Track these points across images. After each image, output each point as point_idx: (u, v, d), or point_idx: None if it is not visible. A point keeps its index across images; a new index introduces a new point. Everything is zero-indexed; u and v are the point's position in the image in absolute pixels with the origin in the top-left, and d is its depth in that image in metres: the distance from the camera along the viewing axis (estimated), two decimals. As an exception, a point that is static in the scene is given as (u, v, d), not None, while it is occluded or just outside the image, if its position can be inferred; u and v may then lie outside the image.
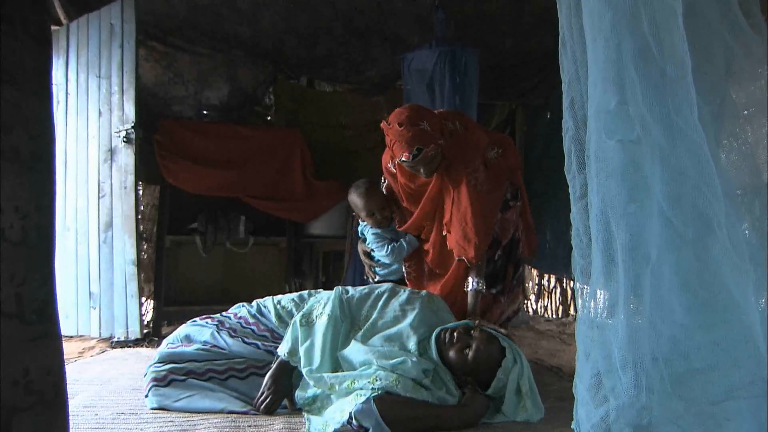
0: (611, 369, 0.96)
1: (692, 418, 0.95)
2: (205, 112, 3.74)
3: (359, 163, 3.68)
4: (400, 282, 2.21)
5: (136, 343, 2.81)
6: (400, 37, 3.60)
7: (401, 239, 2.22)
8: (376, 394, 1.43)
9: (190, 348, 1.72)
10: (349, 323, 1.70)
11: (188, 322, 1.86)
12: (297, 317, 1.69)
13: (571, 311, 4.13)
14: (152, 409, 1.61)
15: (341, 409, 1.46)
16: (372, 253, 2.29)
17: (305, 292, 1.89)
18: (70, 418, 0.83)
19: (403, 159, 1.88)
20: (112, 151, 2.90)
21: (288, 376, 1.63)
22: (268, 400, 1.59)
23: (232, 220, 3.45)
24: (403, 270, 2.25)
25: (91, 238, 2.93)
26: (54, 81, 3.04)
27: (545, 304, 4.54)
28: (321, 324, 1.65)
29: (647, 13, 0.89)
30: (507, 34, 3.63)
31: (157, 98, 3.54)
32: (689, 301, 0.92)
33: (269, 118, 3.96)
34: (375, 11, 3.42)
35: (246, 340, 1.73)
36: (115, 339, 2.82)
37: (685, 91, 0.86)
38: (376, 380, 1.46)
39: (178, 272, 3.47)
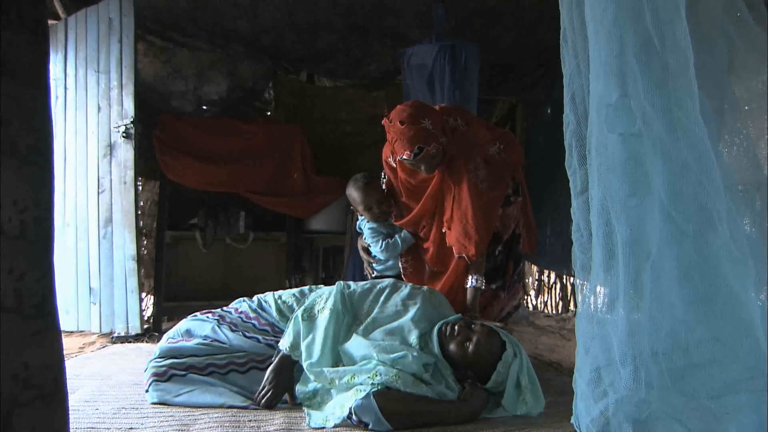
0: (611, 363, 0.96)
1: (691, 413, 0.95)
2: (204, 107, 3.73)
3: (359, 159, 3.67)
4: (398, 278, 2.21)
5: (137, 338, 2.81)
6: (400, 32, 3.58)
7: (396, 235, 2.22)
8: (375, 389, 1.43)
9: (191, 342, 1.72)
10: (350, 317, 1.70)
11: (189, 316, 1.87)
12: (298, 311, 1.69)
13: (571, 307, 4.14)
14: (153, 403, 1.61)
15: (341, 404, 1.46)
16: (370, 249, 2.30)
17: (306, 288, 1.90)
18: (71, 412, 0.83)
19: (405, 157, 1.87)
20: (111, 147, 2.89)
21: (290, 370, 1.64)
22: (269, 395, 1.60)
23: (231, 215, 3.44)
24: (400, 266, 2.25)
25: (90, 234, 2.93)
26: (52, 76, 3.04)
27: (545, 300, 4.55)
28: (323, 318, 1.65)
29: (650, 6, 0.89)
30: (507, 29, 3.61)
31: (157, 93, 3.53)
32: (689, 295, 0.91)
33: (269, 113, 3.95)
34: (375, 6, 3.40)
35: (247, 334, 1.74)
36: (116, 334, 2.82)
37: (687, 85, 0.86)
38: (376, 375, 1.47)
39: (178, 268, 3.47)
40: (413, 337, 1.61)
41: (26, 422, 0.66)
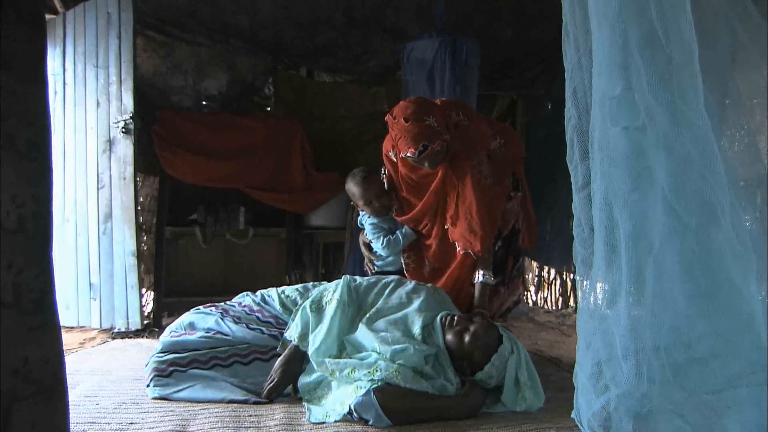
0: (612, 358, 0.96)
1: (692, 407, 0.95)
2: (204, 102, 3.71)
3: (359, 154, 3.66)
4: (399, 273, 2.21)
5: (137, 333, 2.82)
6: (400, 28, 3.57)
7: (397, 231, 2.21)
8: (375, 385, 1.43)
9: (194, 336, 1.72)
10: (355, 309, 1.73)
11: (192, 310, 1.87)
12: (306, 303, 1.72)
13: (571, 302, 4.14)
14: (154, 398, 1.61)
15: (341, 401, 1.47)
16: (371, 245, 2.29)
17: (309, 284, 1.93)
18: (72, 407, 0.83)
19: (409, 155, 1.87)
20: (110, 142, 2.89)
21: (299, 361, 1.65)
22: (273, 384, 1.61)
23: (231, 211, 3.44)
24: (402, 262, 2.25)
25: (90, 230, 2.92)
26: (51, 71, 3.02)
27: (545, 296, 4.55)
28: (330, 309, 1.68)
29: (654, -2, 0.88)
30: (508, 24, 3.60)
31: (156, 88, 3.51)
32: (691, 290, 0.91)
33: (268, 108, 3.93)
34: (375, 1, 3.39)
35: (250, 326, 1.75)
36: (116, 330, 2.82)
37: (692, 78, 0.85)
38: (377, 370, 1.47)
39: (178, 263, 3.47)
40: (416, 328, 1.62)
41: (26, 416, 0.66)
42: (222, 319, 1.76)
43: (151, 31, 3.36)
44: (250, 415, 1.48)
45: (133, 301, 2.82)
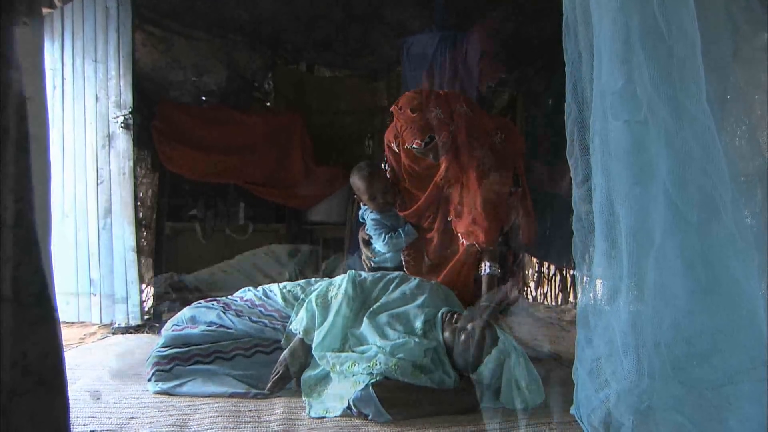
0: (612, 354, 0.96)
1: (692, 403, 0.95)
2: (203, 98, 3.70)
3: (359, 149, 3.65)
4: (397, 270, 2.20)
5: (137, 329, 2.82)
6: (400, 22, 3.55)
7: (399, 229, 2.20)
8: (374, 380, 1.44)
9: (196, 330, 1.73)
10: (360, 302, 1.74)
11: (193, 304, 1.87)
12: (312, 296, 1.73)
13: (571, 298, 4.14)
14: (155, 393, 1.61)
15: (341, 396, 1.48)
16: (370, 241, 2.28)
17: (312, 279, 1.93)
18: (72, 402, 0.83)
19: (415, 146, 1.86)
20: (110, 137, 2.88)
21: (304, 354, 1.65)
22: (278, 375, 1.62)
23: (231, 206, 3.44)
24: (402, 258, 2.24)
25: (90, 225, 2.92)
26: (50, 66, 3.01)
27: (545, 291, 4.55)
28: (336, 303, 1.69)
29: (656, -9, 0.87)
30: (508, 19, 3.58)
31: (155, 83, 3.49)
32: (692, 285, 0.91)
33: (268, 103, 3.92)
34: (374, -5, 3.36)
35: (253, 318, 1.76)
36: (116, 325, 2.82)
37: (694, 72, 0.85)
38: (376, 364, 1.47)
39: (178, 259, 3.47)
40: (418, 322, 1.63)
41: (25, 409, 0.66)
42: (224, 313, 1.77)
43: (149, 26, 3.34)
44: (250, 410, 1.48)
45: (134, 296, 2.83)
